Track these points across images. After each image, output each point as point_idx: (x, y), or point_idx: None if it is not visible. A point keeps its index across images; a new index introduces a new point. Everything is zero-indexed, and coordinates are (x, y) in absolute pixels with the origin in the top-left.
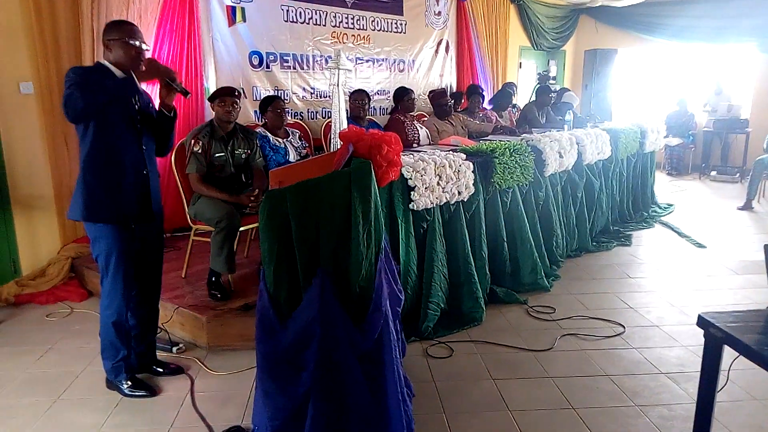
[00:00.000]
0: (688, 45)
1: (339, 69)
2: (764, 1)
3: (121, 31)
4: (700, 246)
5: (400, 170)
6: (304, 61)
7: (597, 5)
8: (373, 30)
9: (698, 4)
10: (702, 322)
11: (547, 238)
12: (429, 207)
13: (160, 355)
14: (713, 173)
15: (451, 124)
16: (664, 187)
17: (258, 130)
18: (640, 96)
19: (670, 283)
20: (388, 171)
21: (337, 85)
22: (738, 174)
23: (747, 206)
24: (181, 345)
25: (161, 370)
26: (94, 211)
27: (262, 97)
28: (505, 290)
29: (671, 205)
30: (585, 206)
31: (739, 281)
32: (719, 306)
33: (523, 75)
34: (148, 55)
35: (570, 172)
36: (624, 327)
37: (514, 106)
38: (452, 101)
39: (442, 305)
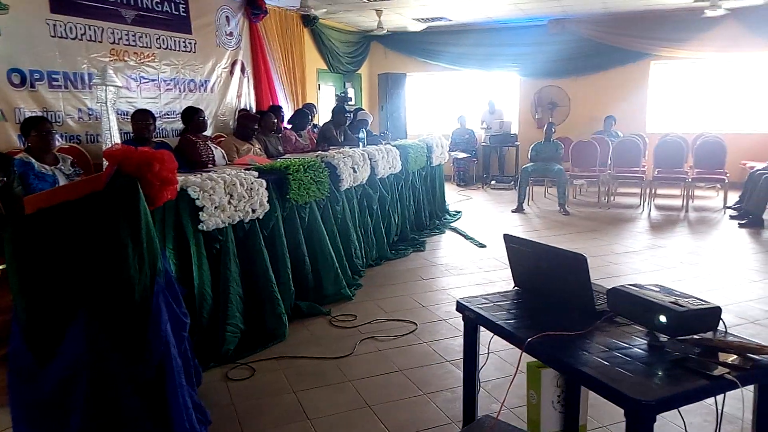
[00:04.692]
0: (464, 70)
1: (106, 85)
2: (523, 33)
3: None
4: (481, 246)
5: (187, 190)
6: (78, 80)
7: (383, 33)
8: (159, 48)
9: (471, 33)
10: (459, 306)
11: (347, 250)
12: (221, 227)
13: None
14: (493, 182)
15: (253, 144)
16: (454, 196)
17: (19, 156)
18: (429, 115)
19: (456, 280)
20: (162, 190)
21: (105, 103)
22: (512, 182)
23: (519, 209)
24: None
25: None
26: None
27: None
28: (309, 303)
29: (459, 212)
30: (381, 217)
31: (509, 272)
32: None
33: (323, 96)
34: None
35: (365, 186)
36: (417, 324)
37: (315, 126)
38: (256, 125)
39: (242, 326)
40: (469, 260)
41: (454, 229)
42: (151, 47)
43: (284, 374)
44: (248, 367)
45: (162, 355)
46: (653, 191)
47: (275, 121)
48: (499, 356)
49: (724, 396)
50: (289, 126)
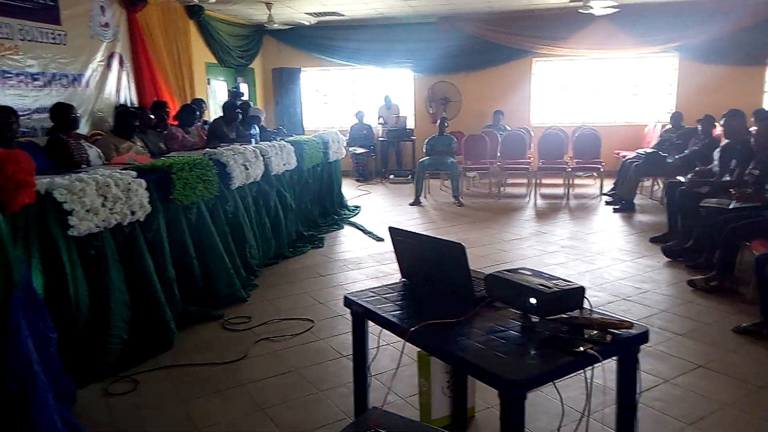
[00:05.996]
0: (360, 66)
1: None
2: (415, 30)
3: None
4: (380, 239)
5: (53, 193)
6: None
7: (275, 27)
8: (22, 40)
9: (365, 30)
10: (347, 301)
11: (242, 250)
12: (95, 231)
13: None
14: (392, 176)
15: (134, 142)
16: (353, 191)
17: None
18: (326, 111)
19: (354, 275)
20: (17, 194)
21: None
22: (410, 175)
23: (416, 202)
24: None
25: None
26: None
27: None
28: (199, 308)
29: (358, 206)
30: (278, 215)
31: None
32: None
33: (215, 92)
34: None
35: (260, 183)
36: (313, 321)
37: (206, 123)
38: (137, 121)
39: (125, 336)
40: (368, 254)
41: (353, 224)
42: (12, 38)
43: (171, 384)
44: (131, 379)
45: (22, 373)
46: (538, 181)
47: (152, 117)
48: (395, 347)
49: (592, 369)
50: (176, 122)
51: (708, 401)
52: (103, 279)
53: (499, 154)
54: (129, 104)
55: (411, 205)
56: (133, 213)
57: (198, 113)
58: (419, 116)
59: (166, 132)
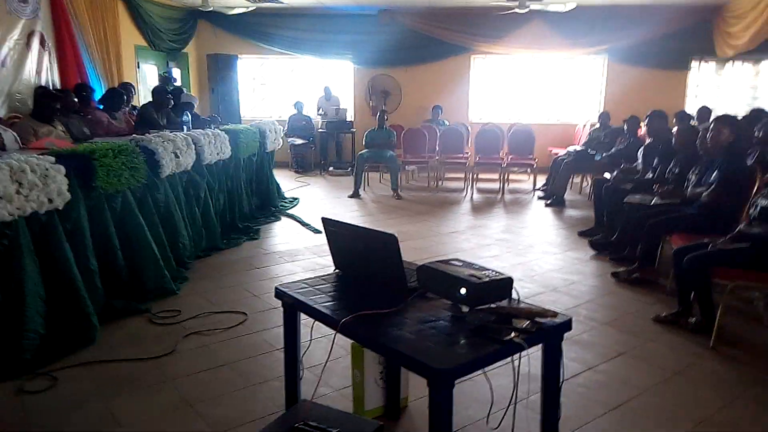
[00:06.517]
0: (299, 56)
1: None
2: (356, 22)
3: None
4: (317, 231)
5: None
6: None
7: (210, 11)
8: None
9: (305, 19)
10: (278, 293)
11: (173, 241)
12: (8, 219)
13: None
14: (331, 168)
15: (55, 126)
16: (291, 183)
17: None
18: (265, 100)
19: (290, 267)
20: None
21: None
22: (350, 168)
23: (355, 194)
24: None
25: None
26: None
27: None
28: (125, 301)
29: (296, 198)
30: (211, 206)
31: None
32: None
33: (146, 76)
34: None
35: (191, 172)
36: (246, 314)
37: (135, 108)
38: (58, 104)
39: (42, 331)
40: (304, 246)
41: (291, 216)
42: None
43: (93, 381)
44: (49, 376)
45: None
46: (475, 176)
47: (76, 100)
48: (330, 339)
49: (520, 357)
50: (102, 107)
51: (629, 387)
52: (16, 271)
53: (438, 149)
54: (51, 86)
55: (350, 197)
56: (50, 201)
57: (126, 98)
58: (359, 109)
59: (90, 117)
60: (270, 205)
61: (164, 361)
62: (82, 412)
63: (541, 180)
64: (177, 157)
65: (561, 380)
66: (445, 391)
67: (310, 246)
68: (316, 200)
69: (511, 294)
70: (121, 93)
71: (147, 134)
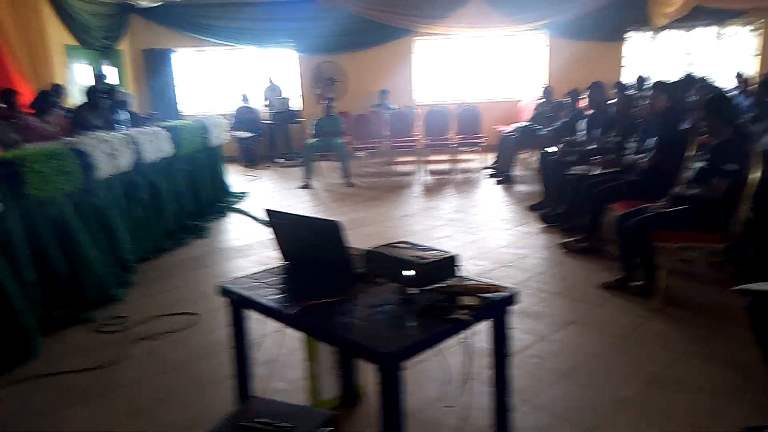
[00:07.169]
0: (239, 47)
1: None
2: (296, 9)
3: None
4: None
5: None
6: None
7: (143, 5)
8: None
9: (244, 8)
10: (223, 290)
11: (115, 245)
12: None
13: None
14: (281, 160)
15: None
16: (240, 177)
17: None
18: (207, 94)
19: (242, 263)
20: None
21: None
22: (300, 158)
23: (306, 185)
24: None
25: None
26: None
27: None
28: (66, 312)
29: (245, 192)
30: (154, 206)
31: None
32: None
33: (80, 77)
34: None
35: (131, 173)
36: (199, 315)
37: (69, 111)
38: None
39: None
40: (256, 241)
41: (240, 211)
42: None
43: (36, 397)
44: None
45: None
46: (425, 158)
47: (3, 106)
48: (284, 332)
49: (473, 334)
50: (32, 111)
51: (581, 353)
52: None
53: (387, 133)
54: None
55: (301, 188)
56: None
57: (57, 100)
58: (306, 97)
59: (20, 122)
60: (218, 201)
61: (111, 370)
62: (30, 429)
63: (491, 158)
64: (114, 158)
65: (508, 352)
66: (394, 374)
67: (262, 240)
68: (266, 193)
69: (456, 272)
70: (51, 95)
71: (80, 136)
